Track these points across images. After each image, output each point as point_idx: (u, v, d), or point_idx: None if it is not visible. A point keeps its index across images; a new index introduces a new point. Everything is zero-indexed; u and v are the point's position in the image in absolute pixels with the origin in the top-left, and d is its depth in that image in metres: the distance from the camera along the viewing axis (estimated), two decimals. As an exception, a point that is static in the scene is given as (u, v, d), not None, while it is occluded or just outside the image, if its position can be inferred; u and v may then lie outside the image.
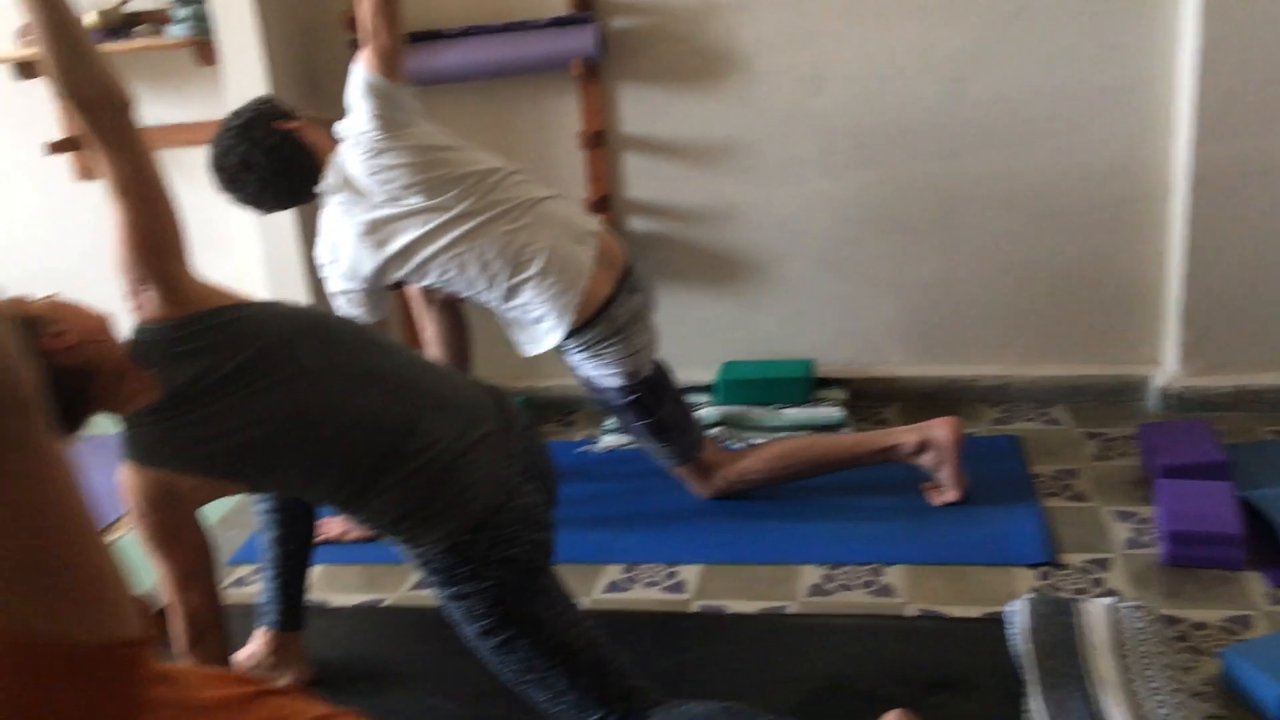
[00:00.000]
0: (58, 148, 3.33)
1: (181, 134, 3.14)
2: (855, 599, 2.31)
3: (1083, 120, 2.89)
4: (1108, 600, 2.13)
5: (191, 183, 2.95)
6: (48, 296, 1.70)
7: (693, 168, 3.12)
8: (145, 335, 1.68)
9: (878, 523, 2.56)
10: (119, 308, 1.73)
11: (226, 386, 1.67)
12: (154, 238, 1.64)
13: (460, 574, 1.78)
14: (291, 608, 2.17)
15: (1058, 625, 2.06)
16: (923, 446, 2.58)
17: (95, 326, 1.69)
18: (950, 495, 2.58)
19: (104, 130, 1.57)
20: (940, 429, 2.57)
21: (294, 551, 2.15)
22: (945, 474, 2.58)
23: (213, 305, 1.71)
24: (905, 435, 2.60)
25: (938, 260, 3.09)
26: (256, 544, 2.17)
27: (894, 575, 2.37)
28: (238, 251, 3.28)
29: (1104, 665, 1.96)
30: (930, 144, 2.98)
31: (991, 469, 2.72)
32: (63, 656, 0.76)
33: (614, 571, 2.51)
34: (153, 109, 3.27)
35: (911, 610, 2.26)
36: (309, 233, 3.08)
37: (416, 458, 1.76)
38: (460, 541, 1.76)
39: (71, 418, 1.68)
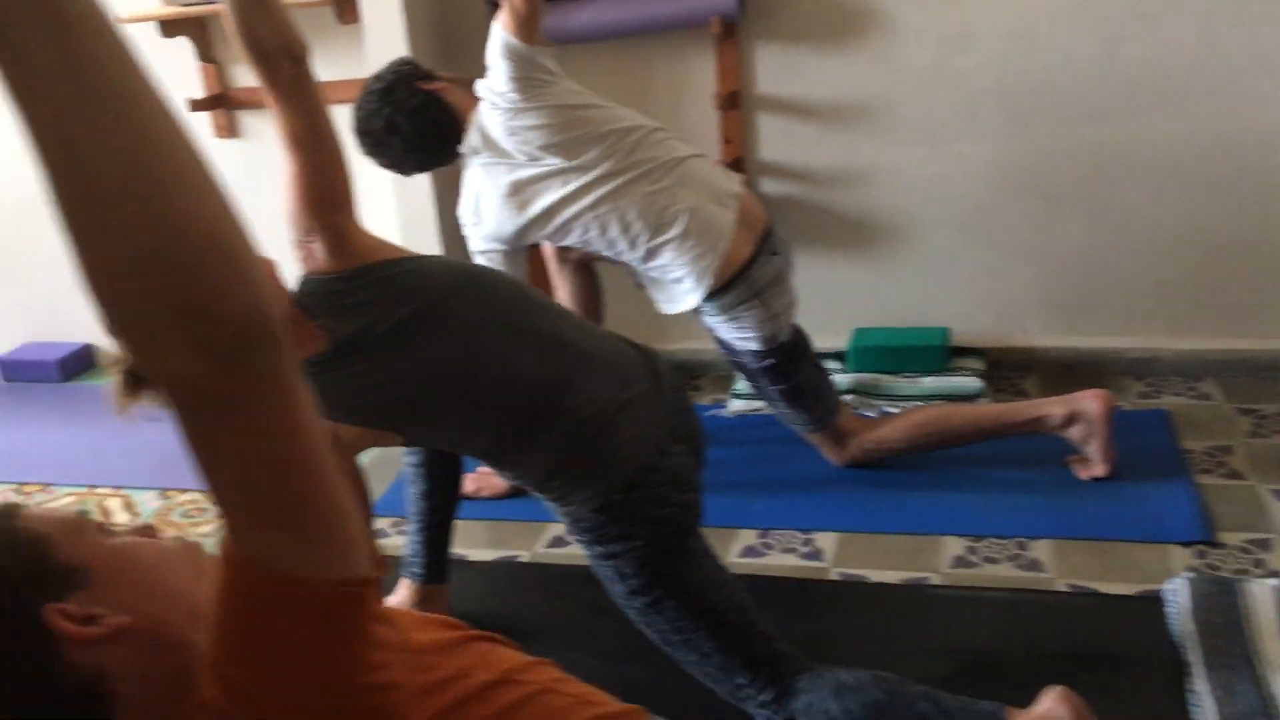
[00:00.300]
0: (199, 106, 3.39)
1: (323, 91, 3.17)
2: (1001, 572, 2.25)
3: (1244, 83, 2.76)
4: (1274, 581, 2.04)
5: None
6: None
7: (829, 129, 3.06)
8: (311, 286, 1.69)
9: (1021, 495, 2.50)
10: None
11: (389, 340, 1.68)
12: (324, 190, 1.65)
13: (609, 533, 1.77)
14: (436, 561, 2.19)
15: (1222, 605, 1.99)
16: (1071, 419, 2.50)
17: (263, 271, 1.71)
18: (1098, 469, 2.50)
19: (281, 82, 1.58)
20: (1091, 401, 2.48)
21: (440, 506, 2.17)
22: (1094, 448, 2.50)
23: (378, 259, 1.71)
24: (1053, 407, 2.52)
25: (1083, 227, 2.98)
26: (404, 497, 2.19)
27: (1041, 549, 2.30)
28: (372, 210, 3.30)
29: (1273, 648, 1.88)
30: (1080, 106, 2.87)
31: (1139, 443, 2.62)
32: (299, 592, 0.76)
33: (749, 536, 2.49)
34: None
35: (1061, 586, 2.19)
36: (444, 191, 3.10)
37: (570, 416, 1.75)
38: (610, 501, 1.76)
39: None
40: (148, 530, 0.97)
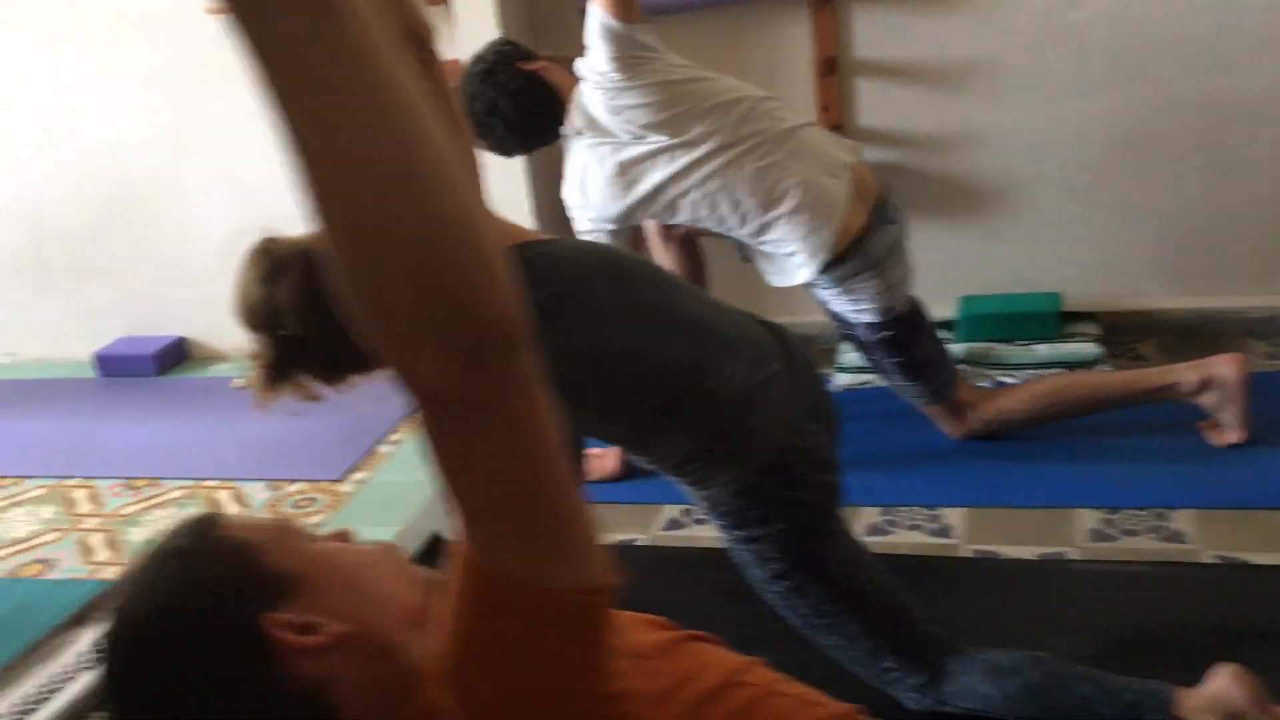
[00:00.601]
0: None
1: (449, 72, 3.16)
2: (1142, 545, 2.18)
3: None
4: None
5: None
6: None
7: (931, 92, 2.97)
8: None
9: (1155, 464, 2.41)
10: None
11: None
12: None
13: (750, 517, 1.73)
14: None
15: (1388, 576, 1.90)
16: (1205, 385, 2.40)
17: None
18: (1233, 436, 2.40)
19: (406, 65, 1.53)
20: (1225, 366, 2.38)
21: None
22: (1229, 414, 2.40)
23: (511, 242, 1.67)
24: (1185, 373, 2.42)
25: (1202, 183, 2.87)
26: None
27: (1182, 520, 2.22)
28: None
29: None
30: (1198, 57, 2.75)
31: (1271, 407, 2.51)
32: (542, 602, 0.73)
33: (871, 514, 2.43)
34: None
35: (1208, 557, 2.11)
36: (538, 173, 3.06)
37: (708, 398, 1.70)
38: (750, 483, 1.71)
39: (369, 358, 1.68)
40: (343, 535, 0.95)
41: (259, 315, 1.58)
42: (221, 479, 3.02)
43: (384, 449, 3.07)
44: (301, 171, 0.59)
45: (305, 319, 1.57)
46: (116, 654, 0.83)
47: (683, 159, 2.35)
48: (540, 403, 0.70)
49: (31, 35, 3.67)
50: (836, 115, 3.02)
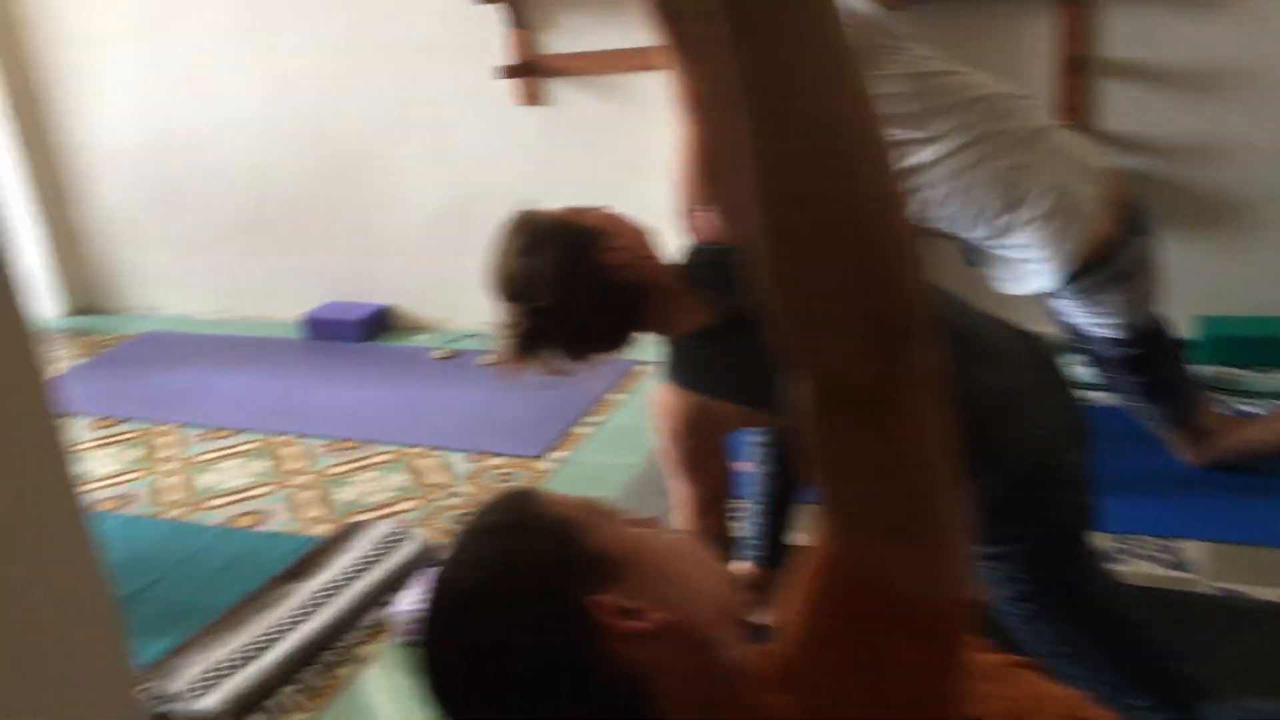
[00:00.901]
0: (510, 72, 3.40)
1: (625, 60, 3.17)
2: None
3: None
4: None
5: (634, 109, 2.98)
6: (598, 209, 1.67)
7: (1185, 97, 2.79)
8: (705, 257, 1.62)
9: None
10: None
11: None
12: (722, 158, 1.56)
13: (995, 533, 1.63)
14: (778, 544, 2.11)
15: None
16: None
17: (642, 242, 1.65)
18: None
19: (690, 42, 1.50)
20: None
21: (787, 486, 2.09)
22: None
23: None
24: None
25: None
26: (746, 478, 2.11)
27: None
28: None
29: None
30: None
31: None
32: (914, 610, 0.69)
33: (1101, 541, 2.28)
34: (597, 35, 3.29)
35: None
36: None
37: (958, 404, 1.61)
38: (1000, 498, 1.62)
39: (618, 336, 1.66)
40: (650, 521, 0.91)
41: (516, 286, 1.58)
42: (425, 446, 3.07)
43: (582, 430, 3.07)
44: (754, 138, 0.59)
45: (560, 292, 1.56)
46: (438, 628, 0.81)
47: (924, 154, 2.26)
48: (934, 401, 0.65)
49: (264, 8, 3.80)
50: (1079, 117, 2.87)
